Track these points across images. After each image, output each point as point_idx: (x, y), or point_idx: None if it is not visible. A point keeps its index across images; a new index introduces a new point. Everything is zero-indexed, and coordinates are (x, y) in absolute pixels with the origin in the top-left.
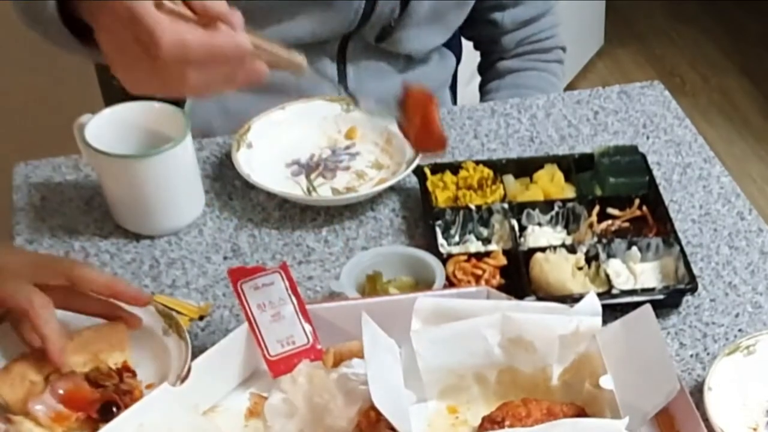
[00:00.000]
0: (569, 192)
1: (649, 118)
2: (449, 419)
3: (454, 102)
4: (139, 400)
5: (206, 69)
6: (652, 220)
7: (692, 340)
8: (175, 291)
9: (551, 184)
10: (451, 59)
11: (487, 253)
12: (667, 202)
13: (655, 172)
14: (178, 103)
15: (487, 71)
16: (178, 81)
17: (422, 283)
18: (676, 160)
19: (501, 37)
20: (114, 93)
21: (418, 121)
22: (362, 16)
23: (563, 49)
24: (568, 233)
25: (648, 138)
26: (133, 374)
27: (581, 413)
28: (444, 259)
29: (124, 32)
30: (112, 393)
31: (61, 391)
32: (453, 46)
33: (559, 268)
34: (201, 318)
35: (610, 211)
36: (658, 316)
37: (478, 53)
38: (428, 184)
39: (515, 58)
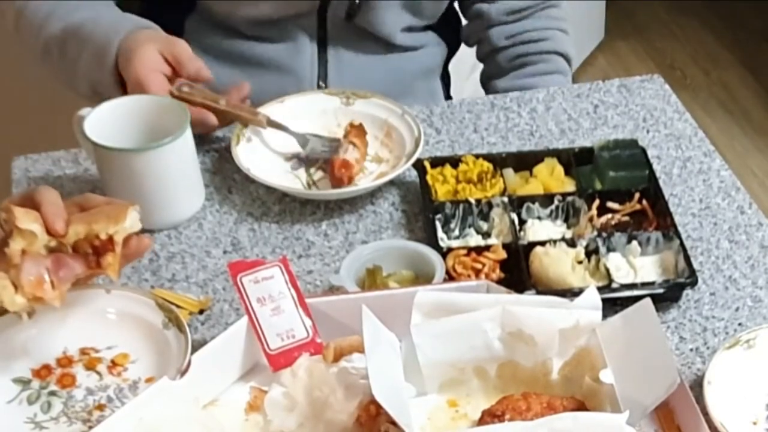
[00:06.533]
0: (569, 186)
1: (649, 111)
2: (449, 413)
3: (447, 93)
4: (110, 266)
5: None
6: (652, 214)
7: (692, 334)
8: (175, 285)
9: (551, 177)
10: (441, 48)
11: (487, 247)
12: (667, 196)
13: (655, 166)
14: None
15: (485, 87)
16: None
17: (422, 277)
18: (676, 153)
19: (488, 31)
20: None
21: None
22: None
23: (565, 56)
24: (568, 227)
25: (648, 132)
26: (113, 248)
27: (581, 407)
28: (444, 253)
29: None
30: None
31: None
32: (446, 35)
33: (558, 261)
34: (201, 312)
35: (610, 204)
36: (657, 310)
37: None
38: (428, 177)
39: (509, 78)
